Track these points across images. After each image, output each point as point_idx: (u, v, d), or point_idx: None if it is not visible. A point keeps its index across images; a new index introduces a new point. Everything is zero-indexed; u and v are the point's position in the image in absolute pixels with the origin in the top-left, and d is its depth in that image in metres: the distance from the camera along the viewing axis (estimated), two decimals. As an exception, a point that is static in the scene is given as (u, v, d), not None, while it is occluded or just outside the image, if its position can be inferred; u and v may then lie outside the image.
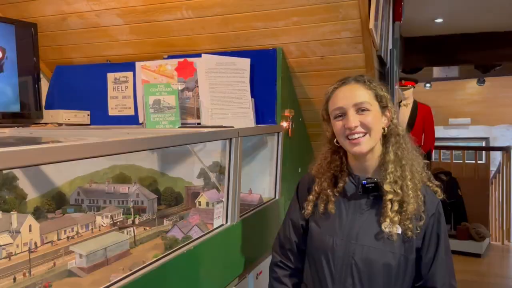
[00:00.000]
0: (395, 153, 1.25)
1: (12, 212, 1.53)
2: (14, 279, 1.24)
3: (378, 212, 1.25)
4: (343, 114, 1.25)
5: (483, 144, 8.82)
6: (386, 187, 1.22)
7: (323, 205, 1.31)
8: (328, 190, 1.31)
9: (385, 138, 1.28)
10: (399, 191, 1.22)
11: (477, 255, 4.94)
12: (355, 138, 1.22)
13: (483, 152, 6.14)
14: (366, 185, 1.25)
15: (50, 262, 1.38)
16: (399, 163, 1.24)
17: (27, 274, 1.28)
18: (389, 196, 1.22)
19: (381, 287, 1.22)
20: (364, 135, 1.22)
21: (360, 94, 1.24)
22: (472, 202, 5.33)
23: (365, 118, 1.22)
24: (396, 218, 1.20)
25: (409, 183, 1.23)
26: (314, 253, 1.33)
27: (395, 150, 1.26)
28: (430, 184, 1.30)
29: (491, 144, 8.55)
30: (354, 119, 1.22)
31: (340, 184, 1.31)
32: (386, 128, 1.28)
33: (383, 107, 1.27)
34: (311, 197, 1.35)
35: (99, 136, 1.45)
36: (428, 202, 1.25)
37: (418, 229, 1.23)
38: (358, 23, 1.90)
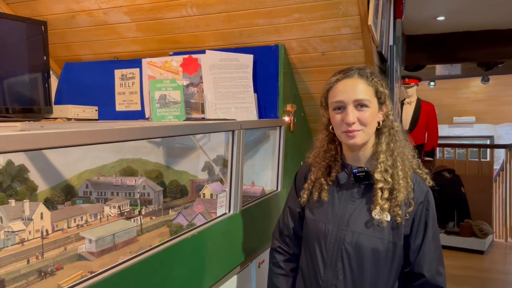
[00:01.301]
0: (388, 144, 1.30)
1: (24, 201, 1.60)
2: (28, 261, 1.31)
3: (368, 201, 1.30)
4: (342, 108, 1.28)
5: (488, 142, 8.81)
6: (377, 175, 1.27)
7: (317, 193, 1.37)
8: (322, 179, 1.37)
9: (379, 130, 1.33)
10: (389, 179, 1.26)
11: (480, 252, 4.97)
12: (351, 132, 1.27)
13: (487, 150, 6.15)
14: (357, 174, 1.31)
15: (61, 247, 1.45)
16: (390, 154, 1.29)
17: (39, 257, 1.35)
18: (380, 185, 1.26)
19: (369, 271, 1.27)
20: (359, 131, 1.27)
21: (361, 90, 1.27)
22: (476, 200, 5.35)
23: (363, 114, 1.26)
24: (386, 206, 1.25)
25: (400, 172, 1.27)
26: (308, 239, 1.38)
27: (387, 142, 1.30)
28: (420, 172, 1.34)
29: (496, 143, 8.54)
30: (352, 115, 1.25)
31: (333, 174, 1.37)
32: (381, 122, 1.32)
33: (381, 103, 1.31)
34: (306, 185, 1.41)
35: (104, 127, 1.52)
36: (417, 190, 1.29)
37: (407, 215, 1.27)
38: (357, 20, 1.95)
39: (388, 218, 1.26)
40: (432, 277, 1.28)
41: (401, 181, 1.26)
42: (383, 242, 1.27)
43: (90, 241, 1.43)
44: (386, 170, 1.27)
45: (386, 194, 1.26)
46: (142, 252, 1.23)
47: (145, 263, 1.21)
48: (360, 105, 1.27)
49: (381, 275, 1.28)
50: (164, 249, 1.28)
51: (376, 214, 1.26)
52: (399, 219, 1.25)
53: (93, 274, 1.09)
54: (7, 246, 1.46)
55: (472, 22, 4.66)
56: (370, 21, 1.90)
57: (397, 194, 1.25)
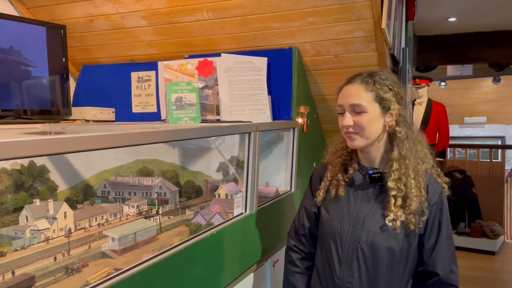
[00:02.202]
0: (399, 151, 1.32)
1: (48, 200, 1.66)
2: (55, 258, 1.37)
3: (383, 201, 1.33)
4: (343, 112, 1.34)
5: (499, 143, 8.76)
6: (390, 184, 1.30)
7: (334, 190, 1.42)
8: (339, 175, 1.42)
9: (391, 136, 1.35)
10: (402, 187, 1.29)
11: (491, 253, 4.96)
12: (349, 134, 1.33)
13: (498, 150, 6.13)
14: (372, 175, 1.35)
15: (85, 245, 1.51)
16: (403, 162, 1.31)
17: (66, 255, 1.41)
18: (393, 192, 1.29)
19: (384, 269, 1.31)
20: (356, 134, 1.32)
21: (357, 96, 1.30)
22: (487, 200, 5.34)
23: (359, 119, 1.30)
24: (399, 213, 1.28)
25: (412, 181, 1.29)
26: (324, 238, 1.43)
27: (399, 149, 1.32)
28: (440, 181, 1.36)
29: (507, 143, 8.48)
30: (348, 119, 1.31)
31: (350, 171, 1.41)
32: (388, 128, 1.33)
33: (385, 108, 1.32)
34: (323, 183, 1.46)
35: (128, 130, 1.57)
36: (431, 191, 1.32)
37: (421, 223, 1.29)
38: (371, 23, 1.98)
39: (403, 218, 1.29)
40: (446, 275, 1.30)
41: (413, 190, 1.28)
42: (397, 242, 1.30)
43: (113, 239, 1.48)
44: (399, 178, 1.30)
45: (399, 202, 1.29)
46: (165, 250, 1.28)
47: (168, 261, 1.25)
48: (356, 109, 1.31)
49: (395, 274, 1.32)
50: (186, 248, 1.33)
51: (389, 221, 1.29)
52: (412, 226, 1.28)
53: (119, 271, 1.13)
54: (33, 244, 1.51)
55: (484, 23, 4.65)
56: (383, 24, 1.93)
57: (410, 203, 1.28)
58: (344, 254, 1.35)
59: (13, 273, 1.23)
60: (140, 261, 1.21)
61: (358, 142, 1.33)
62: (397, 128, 1.32)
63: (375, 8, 1.94)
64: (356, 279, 1.33)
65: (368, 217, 1.34)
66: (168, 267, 1.26)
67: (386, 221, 1.29)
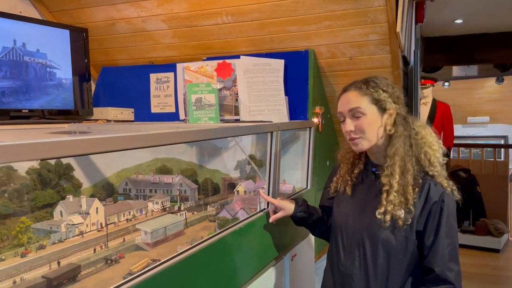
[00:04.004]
0: (396, 148, 1.38)
1: (81, 196, 1.74)
2: (94, 250, 1.45)
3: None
4: (343, 119, 1.44)
5: (502, 142, 8.83)
6: (383, 179, 1.38)
7: (343, 187, 1.55)
8: (347, 175, 1.54)
9: (392, 135, 1.41)
10: (393, 183, 1.35)
11: (496, 251, 5.04)
12: (353, 140, 1.42)
13: (502, 149, 6.20)
14: (376, 172, 1.44)
15: (119, 238, 1.59)
16: (393, 158, 1.37)
17: (103, 247, 1.49)
18: (385, 187, 1.37)
19: (382, 261, 1.39)
20: (359, 138, 1.40)
21: (355, 100, 1.39)
22: (491, 199, 5.42)
23: (359, 123, 1.39)
24: (389, 208, 1.35)
25: (397, 176, 1.35)
26: (334, 229, 1.56)
27: (391, 146, 1.39)
28: (446, 184, 1.38)
29: (510, 143, 8.56)
30: (349, 125, 1.41)
31: (356, 171, 1.52)
32: (388, 128, 1.40)
33: (382, 109, 1.39)
34: (335, 179, 1.61)
35: (157, 130, 1.64)
36: (432, 191, 1.36)
37: (409, 220, 1.35)
38: (385, 27, 2.06)
39: (402, 215, 1.35)
40: (442, 272, 1.34)
41: (395, 186, 1.34)
42: (395, 236, 1.37)
43: (146, 233, 1.57)
44: (391, 174, 1.37)
45: (391, 197, 1.35)
46: (199, 242, 1.36)
47: (201, 253, 1.33)
48: (355, 114, 1.40)
49: (392, 266, 1.39)
50: (217, 241, 1.41)
51: (379, 214, 1.36)
52: (400, 222, 1.34)
53: (159, 262, 1.22)
54: (68, 238, 1.60)
55: (489, 25, 4.73)
56: (398, 28, 2.01)
57: (394, 198, 1.34)
58: (348, 243, 1.47)
59: (58, 263, 1.32)
60: (177, 253, 1.29)
61: (361, 146, 1.42)
62: (393, 127, 1.40)
63: (390, 12, 2.02)
64: (357, 268, 1.44)
65: (370, 211, 1.43)
66: (202, 258, 1.34)
67: (376, 214, 1.37)
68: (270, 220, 1.69)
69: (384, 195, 1.37)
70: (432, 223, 1.36)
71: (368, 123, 1.39)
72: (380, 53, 2.20)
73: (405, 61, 2.71)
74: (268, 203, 1.78)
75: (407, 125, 1.42)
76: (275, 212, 1.69)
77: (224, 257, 1.46)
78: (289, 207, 1.66)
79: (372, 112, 1.39)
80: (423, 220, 1.36)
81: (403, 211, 1.35)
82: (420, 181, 1.37)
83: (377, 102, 1.39)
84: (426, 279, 1.38)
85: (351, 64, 2.32)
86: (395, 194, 1.34)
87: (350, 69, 2.36)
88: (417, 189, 1.36)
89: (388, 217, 1.35)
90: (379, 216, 1.36)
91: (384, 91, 1.40)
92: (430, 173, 1.39)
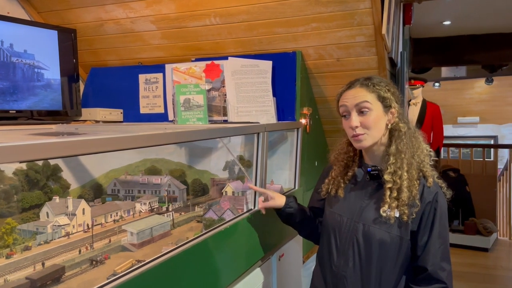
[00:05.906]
0: (397, 146, 1.41)
1: (68, 197, 1.75)
2: (80, 251, 1.46)
3: (380, 196, 1.43)
4: (347, 115, 1.43)
5: (492, 142, 8.93)
6: (386, 177, 1.39)
7: (335, 189, 1.55)
8: (339, 177, 1.54)
9: (391, 132, 1.44)
10: (397, 180, 1.38)
11: (485, 250, 5.10)
12: (357, 136, 1.41)
13: (491, 149, 6.27)
14: (371, 172, 1.44)
15: (105, 239, 1.60)
16: (399, 156, 1.40)
17: (89, 248, 1.49)
18: (388, 185, 1.39)
19: (376, 261, 1.41)
20: (363, 134, 1.40)
21: (362, 95, 1.40)
22: (480, 198, 5.48)
23: (365, 119, 1.40)
24: (394, 204, 1.37)
25: (405, 174, 1.38)
26: (326, 229, 1.55)
27: (397, 144, 1.41)
28: (439, 184, 1.43)
29: (500, 143, 8.65)
30: (355, 120, 1.40)
31: (349, 173, 1.53)
32: (390, 125, 1.43)
33: (386, 107, 1.42)
34: (327, 180, 1.59)
35: (145, 131, 1.65)
36: (426, 191, 1.39)
37: (414, 214, 1.38)
38: (371, 29, 2.09)
39: (397, 215, 1.38)
40: (434, 271, 1.37)
41: (405, 182, 1.37)
42: (390, 236, 1.39)
43: (132, 233, 1.57)
44: (395, 172, 1.39)
45: (394, 194, 1.38)
46: (184, 243, 1.37)
47: (187, 253, 1.34)
48: (361, 109, 1.40)
49: (386, 266, 1.41)
50: (202, 241, 1.42)
51: (384, 211, 1.38)
52: (405, 217, 1.37)
53: (143, 263, 1.22)
54: (55, 239, 1.60)
55: (478, 26, 4.78)
56: (383, 30, 2.03)
57: (403, 194, 1.36)
58: (341, 244, 1.47)
59: (43, 264, 1.32)
60: (161, 253, 1.30)
61: (365, 142, 1.41)
62: (401, 124, 1.42)
63: (375, 14, 2.04)
64: (351, 268, 1.44)
65: (365, 211, 1.44)
66: (187, 259, 1.35)
67: (381, 212, 1.38)
68: (259, 207, 1.70)
69: (388, 193, 1.38)
70: (426, 224, 1.38)
71: (374, 119, 1.39)
72: (367, 55, 2.22)
73: (392, 63, 2.73)
74: (254, 202, 1.80)
75: (407, 124, 1.45)
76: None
77: (209, 258, 1.47)
78: (280, 198, 1.68)
79: (378, 108, 1.40)
80: (417, 220, 1.38)
81: (406, 206, 1.37)
82: (418, 180, 1.40)
83: (383, 100, 1.41)
84: (419, 278, 1.40)
85: (338, 65, 2.34)
86: (405, 190, 1.36)
87: (337, 70, 2.38)
88: (417, 185, 1.39)
89: (392, 214, 1.37)
90: (384, 214, 1.37)
91: (388, 90, 1.42)
92: (424, 171, 1.42)
